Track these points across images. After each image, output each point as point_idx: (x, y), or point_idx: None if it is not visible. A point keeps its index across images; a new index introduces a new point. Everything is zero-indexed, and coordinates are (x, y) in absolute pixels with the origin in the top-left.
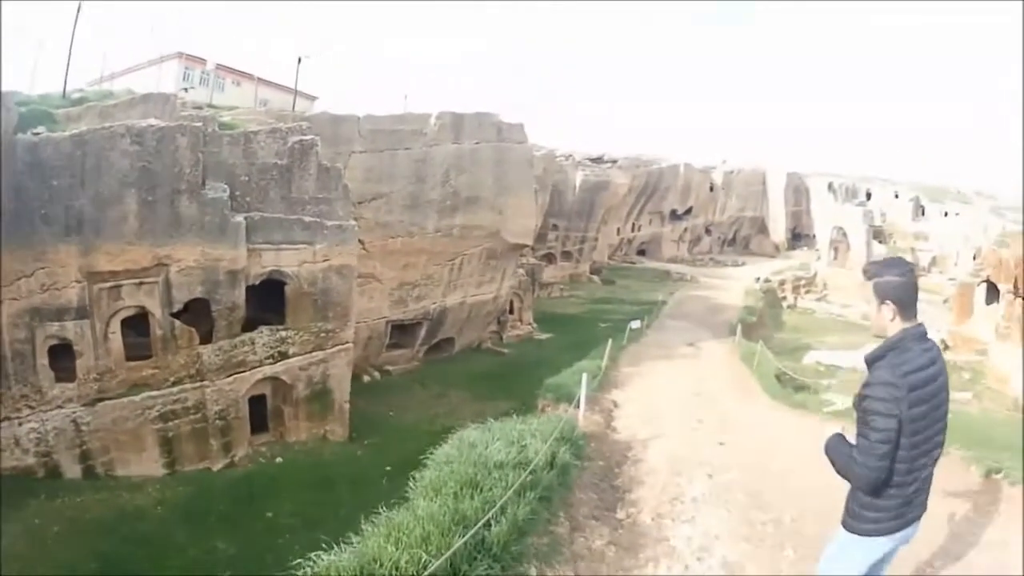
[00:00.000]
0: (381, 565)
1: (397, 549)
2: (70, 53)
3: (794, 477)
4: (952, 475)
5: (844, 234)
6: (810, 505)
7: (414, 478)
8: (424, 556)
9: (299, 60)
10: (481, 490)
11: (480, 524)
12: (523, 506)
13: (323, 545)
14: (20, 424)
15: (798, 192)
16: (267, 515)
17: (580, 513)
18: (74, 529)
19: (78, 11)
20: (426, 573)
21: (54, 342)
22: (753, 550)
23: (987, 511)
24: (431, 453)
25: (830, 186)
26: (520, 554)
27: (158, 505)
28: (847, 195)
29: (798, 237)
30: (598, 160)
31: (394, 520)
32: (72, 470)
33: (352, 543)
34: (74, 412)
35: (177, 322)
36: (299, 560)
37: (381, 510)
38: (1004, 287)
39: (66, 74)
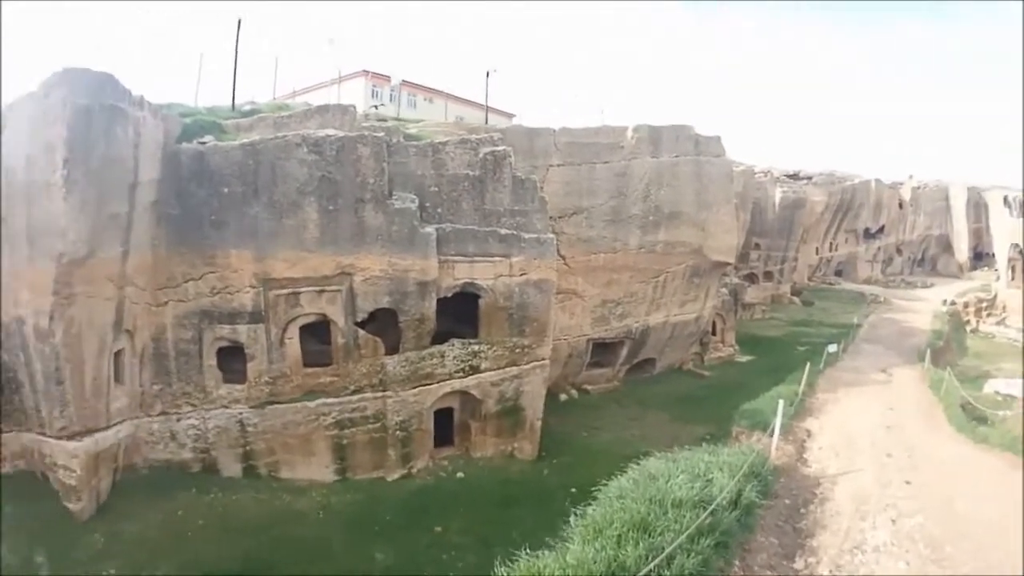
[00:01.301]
0: None
1: None
2: (235, 67)
3: (978, 525)
4: None
5: (1021, 252)
6: (991, 559)
7: (576, 513)
8: None
9: (487, 74)
10: (650, 534)
11: None
12: (693, 556)
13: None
14: (179, 420)
15: (978, 208)
16: (435, 529)
17: (757, 561)
18: (221, 525)
19: (239, 26)
20: None
21: (223, 344)
22: None
23: None
24: (605, 484)
25: (1005, 200)
26: None
27: (320, 510)
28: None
29: (979, 256)
30: (794, 176)
31: (536, 565)
32: (231, 468)
33: None
34: (240, 413)
35: (361, 331)
36: None
37: (553, 536)
38: None
39: (233, 86)
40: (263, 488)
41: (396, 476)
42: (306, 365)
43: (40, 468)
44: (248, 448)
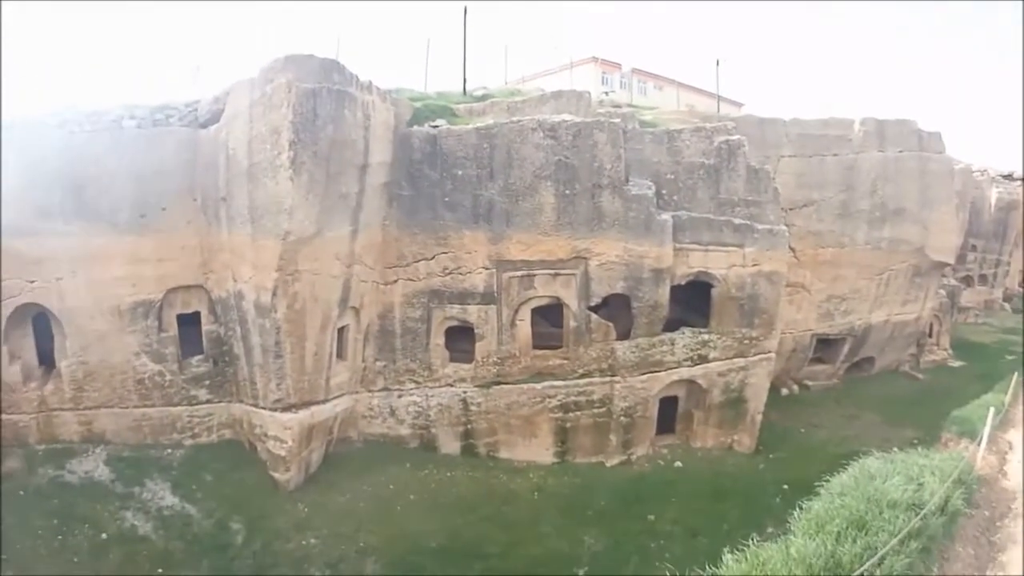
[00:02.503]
0: None
1: None
2: (464, 53)
3: None
4: None
5: None
6: None
7: (800, 507)
8: None
9: (717, 63)
10: (866, 532)
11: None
12: (903, 557)
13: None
14: (400, 396)
15: None
16: (648, 517)
17: (953, 569)
18: (432, 500)
19: (465, 13)
20: None
21: (452, 323)
22: None
23: None
24: (827, 480)
25: None
26: None
27: (535, 491)
28: None
29: None
30: (1009, 176)
31: (762, 555)
32: (450, 446)
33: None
34: (465, 392)
35: (594, 316)
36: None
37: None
38: None
39: (464, 72)
40: (480, 467)
41: (615, 462)
42: (535, 347)
43: (248, 438)
44: (469, 427)
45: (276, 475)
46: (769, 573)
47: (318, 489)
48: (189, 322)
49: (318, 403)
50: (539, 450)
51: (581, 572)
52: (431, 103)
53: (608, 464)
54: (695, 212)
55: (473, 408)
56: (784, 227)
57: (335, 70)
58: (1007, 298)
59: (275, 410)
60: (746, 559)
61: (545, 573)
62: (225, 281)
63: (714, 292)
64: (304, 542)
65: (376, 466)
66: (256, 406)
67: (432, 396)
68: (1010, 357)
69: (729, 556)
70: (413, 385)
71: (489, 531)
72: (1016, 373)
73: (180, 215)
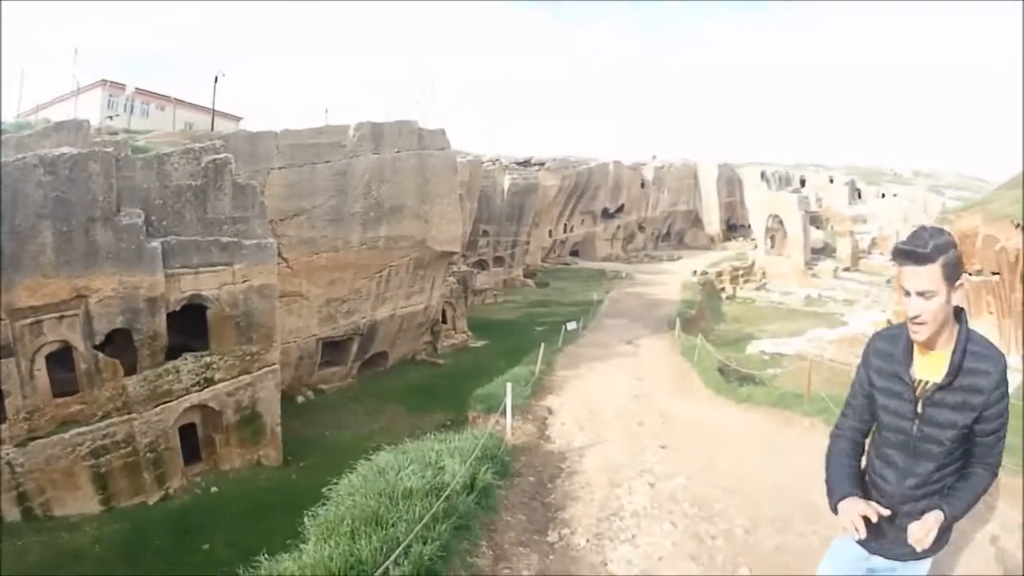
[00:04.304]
0: None
1: None
2: None
3: (745, 480)
4: None
5: (780, 222)
6: (764, 513)
7: (308, 515)
8: None
9: (215, 79)
10: (384, 526)
11: (379, 570)
12: (431, 542)
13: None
14: None
15: (731, 183)
16: (204, 547)
17: (506, 539)
18: (12, 574)
19: None
20: None
21: None
22: (703, 570)
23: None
24: (335, 483)
25: (763, 175)
26: None
27: (96, 544)
28: (781, 183)
29: (733, 228)
30: (525, 163)
31: (278, 568)
32: (11, 513)
33: None
34: (8, 454)
35: (100, 355)
36: None
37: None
38: None
39: None
40: (41, 529)
41: (156, 499)
42: (56, 395)
43: None
44: (21, 490)
45: None
46: None
47: None
48: None
49: None
50: (85, 501)
51: None
52: None
53: (150, 502)
54: (184, 235)
55: (19, 469)
56: (272, 240)
57: None
58: (529, 275)
59: None
60: (263, 572)
61: None
62: None
63: (209, 313)
64: None
65: None
66: None
67: None
68: (539, 329)
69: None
70: None
71: None
72: (543, 343)
73: None
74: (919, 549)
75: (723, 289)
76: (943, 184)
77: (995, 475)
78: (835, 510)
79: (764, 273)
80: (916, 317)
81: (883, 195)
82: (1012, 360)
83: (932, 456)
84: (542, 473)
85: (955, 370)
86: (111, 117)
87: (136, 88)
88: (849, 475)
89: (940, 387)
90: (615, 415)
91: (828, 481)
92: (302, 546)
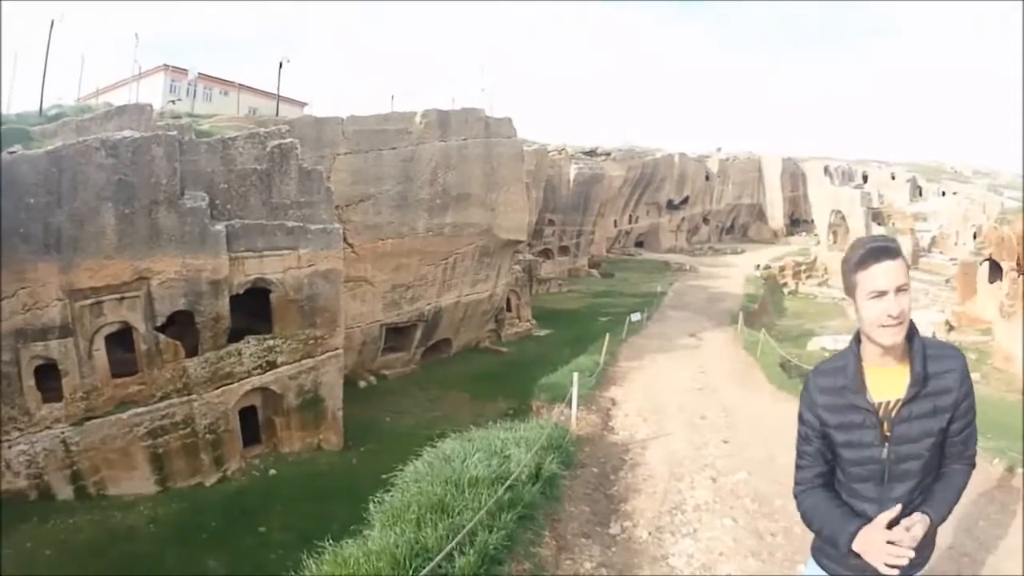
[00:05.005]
0: None
1: None
2: (45, 69)
3: None
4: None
5: (843, 217)
6: None
7: (375, 501)
8: None
9: (280, 64)
10: (449, 514)
11: (440, 556)
12: (496, 531)
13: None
14: (10, 447)
15: (794, 178)
16: (260, 530)
17: (569, 530)
18: (66, 552)
19: (51, 26)
20: None
21: (39, 362)
22: (763, 567)
23: (1014, 511)
24: (397, 470)
25: (826, 170)
26: None
27: (150, 523)
28: (843, 178)
29: (796, 223)
30: (591, 153)
31: (341, 555)
32: (64, 491)
33: None
34: (63, 432)
35: (162, 336)
36: None
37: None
38: (1007, 265)
39: (42, 91)
40: (94, 508)
41: (213, 480)
42: (114, 376)
43: None
44: (75, 468)
45: None
46: (352, 572)
47: None
48: None
49: None
50: (141, 481)
51: None
52: (11, 126)
53: (207, 483)
54: (248, 219)
55: (73, 448)
56: (338, 225)
57: None
58: (594, 265)
59: None
60: (325, 560)
61: None
62: None
63: (273, 297)
64: None
65: (11, 526)
66: None
67: (36, 442)
68: (603, 319)
69: (310, 560)
70: (18, 433)
71: (123, 572)
72: (608, 334)
73: None
74: (901, 552)
75: (785, 284)
76: (1001, 184)
77: (973, 466)
78: (850, 549)
79: (826, 269)
80: (898, 316)
81: (943, 193)
82: None
83: (911, 475)
84: (605, 464)
85: (920, 379)
86: (173, 102)
87: (199, 73)
88: (844, 511)
89: (906, 402)
90: (678, 408)
91: (823, 530)
92: (366, 532)
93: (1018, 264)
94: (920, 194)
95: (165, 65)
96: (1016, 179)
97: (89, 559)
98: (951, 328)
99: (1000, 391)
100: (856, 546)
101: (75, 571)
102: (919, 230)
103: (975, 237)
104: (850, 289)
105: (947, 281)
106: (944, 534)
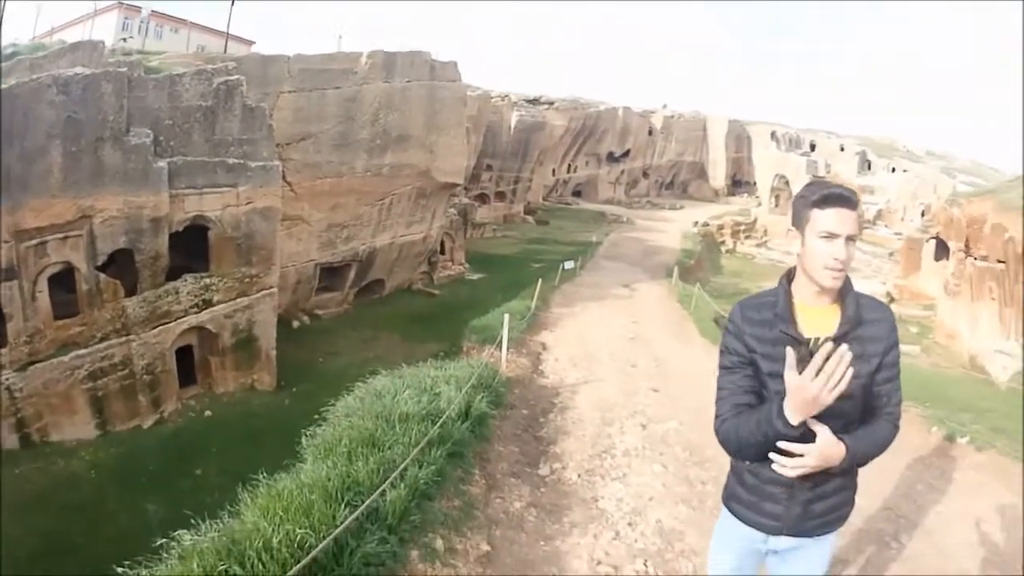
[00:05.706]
0: (251, 544)
1: (271, 525)
2: (2, 10)
3: None
4: (911, 435)
5: (787, 183)
6: None
7: (306, 435)
8: (300, 532)
9: (231, 3)
10: (380, 448)
11: (376, 493)
12: (426, 467)
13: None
14: None
15: (739, 139)
16: (196, 472)
17: (498, 470)
18: (15, 503)
19: None
20: (307, 556)
21: None
22: (693, 513)
23: (952, 478)
24: (332, 404)
25: (773, 135)
26: (423, 522)
27: (91, 469)
28: (790, 144)
29: (738, 184)
30: (535, 101)
31: (275, 488)
32: (10, 440)
33: (225, 518)
34: (8, 379)
35: (102, 276)
36: (163, 540)
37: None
38: (954, 245)
39: None
40: (39, 456)
41: (150, 422)
42: (56, 318)
43: None
44: (20, 416)
45: None
46: (285, 504)
47: None
48: None
49: None
50: (82, 426)
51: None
52: None
53: (145, 426)
54: (191, 156)
55: (17, 395)
56: (278, 163)
57: None
58: (529, 211)
59: None
60: (259, 494)
61: (128, 554)
62: None
63: (211, 234)
64: None
65: None
66: None
67: None
68: (536, 266)
69: (244, 493)
70: None
71: (68, 522)
72: (540, 280)
73: None
74: (795, 459)
75: (723, 243)
76: (955, 167)
77: (897, 428)
78: (786, 422)
79: (766, 231)
80: (843, 262)
81: (893, 169)
82: (1012, 347)
83: (835, 413)
84: (535, 407)
85: (852, 320)
86: (125, 39)
87: (151, 11)
88: (765, 406)
89: (836, 338)
90: (609, 356)
91: (750, 435)
92: (299, 465)
93: (966, 246)
94: (869, 168)
95: (119, 3)
96: (971, 165)
97: (36, 510)
98: (892, 300)
99: (939, 365)
100: (789, 403)
101: (23, 522)
102: (865, 203)
103: (923, 215)
104: (800, 222)
105: (891, 255)
106: (883, 496)
